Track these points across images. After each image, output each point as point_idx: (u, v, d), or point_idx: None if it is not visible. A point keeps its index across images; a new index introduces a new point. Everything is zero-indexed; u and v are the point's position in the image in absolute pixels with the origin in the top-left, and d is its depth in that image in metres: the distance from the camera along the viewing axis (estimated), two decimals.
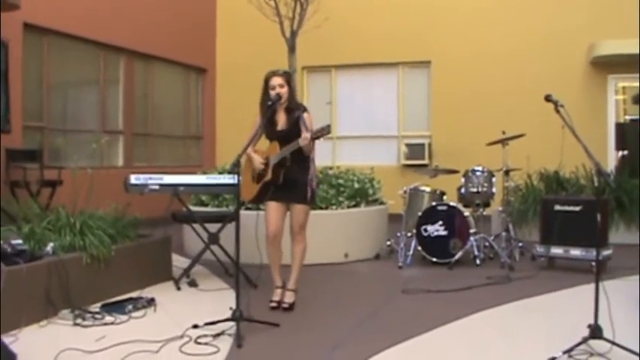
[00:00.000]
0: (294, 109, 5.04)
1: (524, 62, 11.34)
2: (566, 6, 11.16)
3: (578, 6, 11.06)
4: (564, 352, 3.73)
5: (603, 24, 10.79)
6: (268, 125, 5.04)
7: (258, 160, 5.06)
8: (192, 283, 5.92)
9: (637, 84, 10.59)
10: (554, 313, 4.96)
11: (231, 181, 5.98)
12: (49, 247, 4.83)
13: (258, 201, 5.23)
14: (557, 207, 6.68)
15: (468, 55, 11.69)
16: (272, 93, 4.96)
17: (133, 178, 5.83)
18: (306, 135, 4.74)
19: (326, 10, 9.98)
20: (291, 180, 4.95)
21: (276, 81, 4.99)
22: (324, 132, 4.65)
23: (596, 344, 3.82)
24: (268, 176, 4.97)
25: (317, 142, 4.86)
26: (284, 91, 4.98)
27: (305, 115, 4.98)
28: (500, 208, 7.60)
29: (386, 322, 4.76)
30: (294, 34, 8.95)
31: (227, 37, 13.05)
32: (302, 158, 4.94)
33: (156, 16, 11.16)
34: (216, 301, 5.25)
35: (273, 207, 5.03)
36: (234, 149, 4.87)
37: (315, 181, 5.08)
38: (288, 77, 5.10)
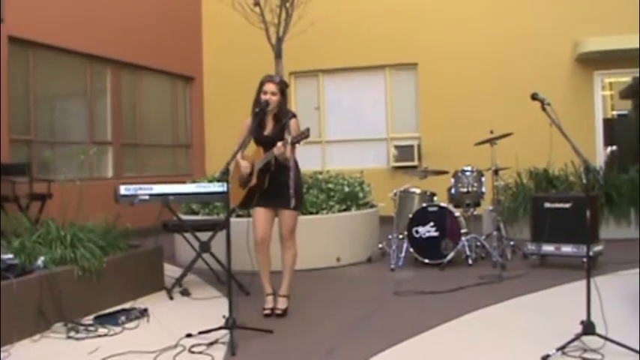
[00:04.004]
0: (283, 117, 5.03)
1: (510, 61, 11.41)
2: (550, 4, 11.24)
3: (562, 4, 11.14)
4: (558, 350, 3.75)
5: (587, 21, 10.88)
6: (257, 128, 5.02)
7: (245, 165, 5.04)
8: (185, 293, 5.91)
9: (623, 79, 10.66)
10: (547, 311, 4.98)
11: (220, 189, 5.99)
12: (40, 260, 4.80)
13: (244, 206, 5.23)
14: (547, 204, 6.72)
15: (454, 55, 11.74)
16: (262, 98, 4.95)
17: (123, 189, 5.82)
18: (279, 145, 4.71)
19: (311, 15, 9.97)
20: (278, 185, 4.94)
21: (270, 87, 4.97)
22: (303, 136, 4.63)
23: (589, 340, 3.84)
24: (253, 181, 4.96)
25: (303, 146, 4.83)
26: (275, 99, 4.96)
27: (292, 121, 4.99)
28: (491, 208, 7.63)
29: (379, 325, 4.76)
30: (280, 40, 8.94)
31: (213, 44, 13.04)
32: (286, 164, 4.94)
33: (141, 26, 11.14)
34: (209, 309, 5.24)
35: (260, 213, 5.04)
36: (224, 157, 4.86)
37: (298, 185, 5.04)
38: (283, 86, 5.06)
